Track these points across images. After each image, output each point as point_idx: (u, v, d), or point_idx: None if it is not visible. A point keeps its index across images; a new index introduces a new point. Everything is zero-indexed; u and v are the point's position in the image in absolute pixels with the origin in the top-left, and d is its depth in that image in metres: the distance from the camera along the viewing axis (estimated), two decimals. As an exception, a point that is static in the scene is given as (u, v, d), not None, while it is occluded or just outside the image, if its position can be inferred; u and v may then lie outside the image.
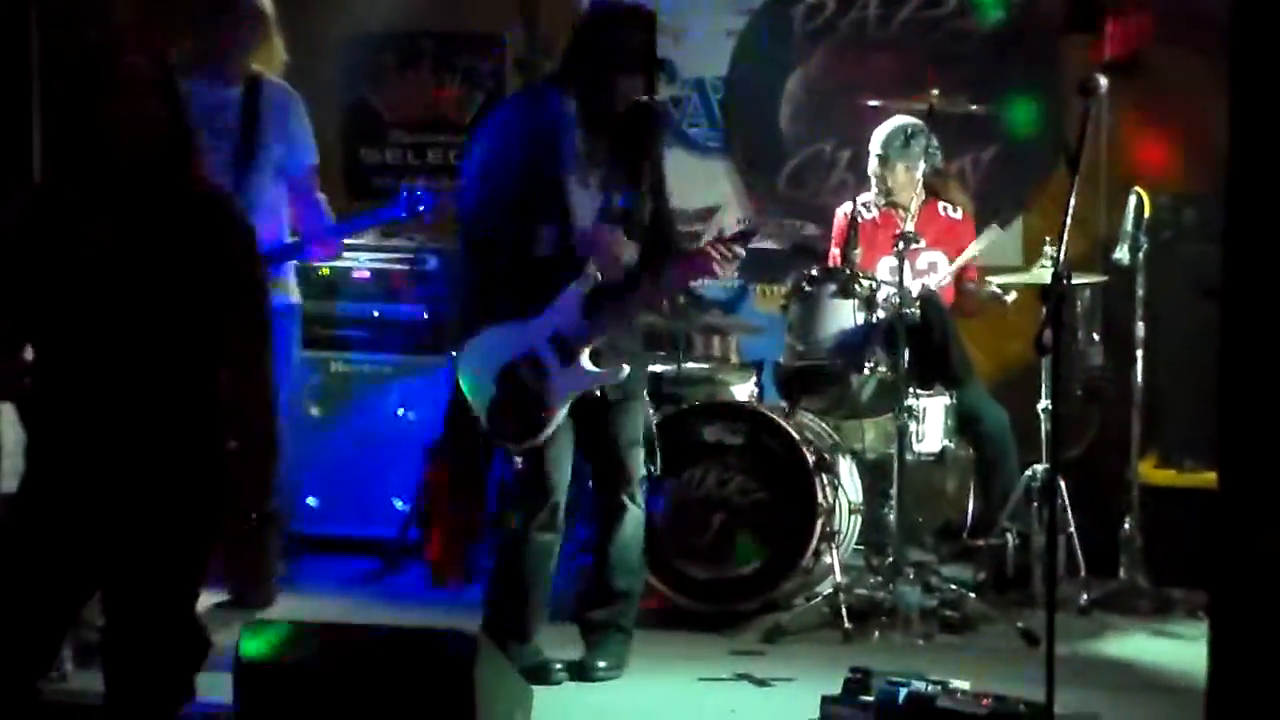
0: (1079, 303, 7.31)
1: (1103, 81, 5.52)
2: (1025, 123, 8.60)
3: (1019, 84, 8.60)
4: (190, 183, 4.28)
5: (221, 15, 6.71)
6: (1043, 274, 6.74)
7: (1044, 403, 6.97)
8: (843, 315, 6.95)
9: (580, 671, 6.18)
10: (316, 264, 7.57)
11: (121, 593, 4.24)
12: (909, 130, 7.47)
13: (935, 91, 7.22)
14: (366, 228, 7.64)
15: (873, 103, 7.61)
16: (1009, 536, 7.19)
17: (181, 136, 4.29)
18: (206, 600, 5.83)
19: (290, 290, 6.92)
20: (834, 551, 6.84)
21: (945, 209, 7.67)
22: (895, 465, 6.90)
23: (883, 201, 7.61)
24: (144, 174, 4.20)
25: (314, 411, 7.80)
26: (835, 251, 7.57)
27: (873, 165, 7.63)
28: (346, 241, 7.40)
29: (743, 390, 7.62)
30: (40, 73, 7.19)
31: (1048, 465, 6.90)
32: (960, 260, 7.41)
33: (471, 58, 9.33)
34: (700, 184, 9.10)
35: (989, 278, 7.54)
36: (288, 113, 6.82)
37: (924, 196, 7.34)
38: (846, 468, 7.19)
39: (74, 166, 4.26)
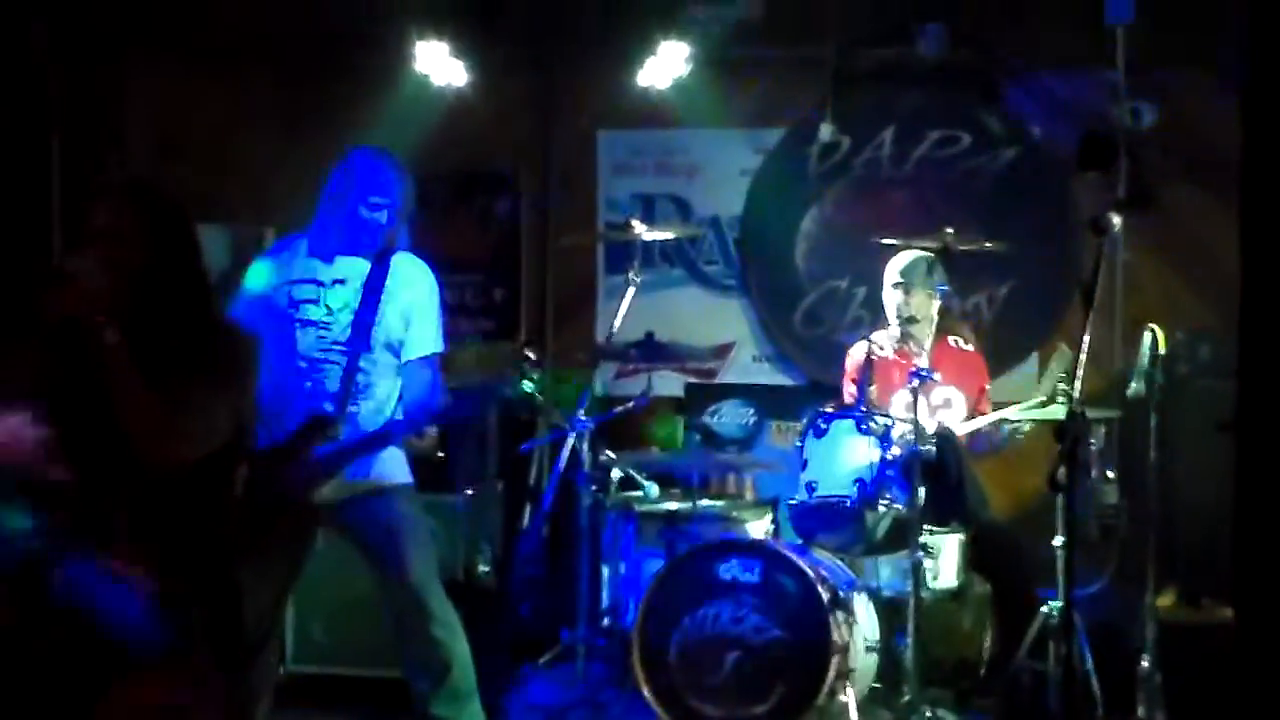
0: (1093, 439, 7.28)
1: (1115, 220, 5.55)
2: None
3: (1033, 221, 8.65)
4: (204, 318, 4.35)
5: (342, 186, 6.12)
6: (1058, 410, 6.74)
7: (1059, 539, 6.94)
8: (858, 452, 6.94)
9: None
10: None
11: None
12: (929, 260, 7.49)
13: (950, 229, 7.25)
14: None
15: (888, 240, 7.64)
16: (1025, 674, 7.13)
17: (194, 277, 4.37)
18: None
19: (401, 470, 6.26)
20: (850, 690, 6.79)
21: (956, 342, 7.69)
22: (911, 602, 6.86)
23: (897, 335, 7.63)
24: (147, 311, 4.25)
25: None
26: (850, 388, 7.58)
27: (895, 297, 7.60)
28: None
29: (758, 527, 7.60)
30: (61, 205, 7.26)
31: (1063, 602, 6.86)
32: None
33: (486, 197, 9.41)
34: (716, 321, 9.14)
35: (1004, 412, 7.53)
36: (411, 293, 6.12)
37: (936, 334, 7.34)
38: (863, 605, 7.14)
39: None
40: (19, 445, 4.20)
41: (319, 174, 6.14)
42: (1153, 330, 7.21)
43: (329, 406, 5.92)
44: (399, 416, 6.09)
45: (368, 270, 6.06)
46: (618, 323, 7.83)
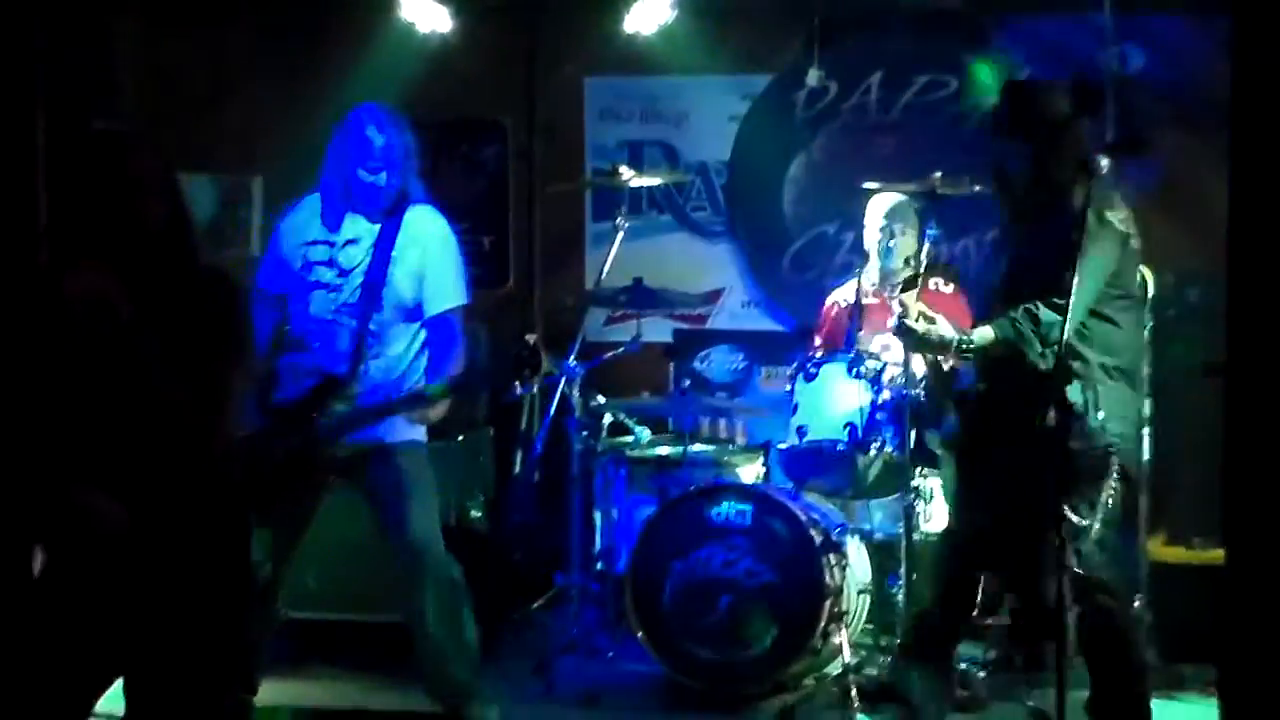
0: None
1: (1104, 163, 5.55)
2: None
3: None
4: (190, 267, 4.36)
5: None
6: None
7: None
8: (848, 396, 6.96)
9: None
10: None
11: (143, 679, 4.22)
12: (916, 205, 7.48)
13: (937, 174, 7.24)
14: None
15: (874, 185, 7.63)
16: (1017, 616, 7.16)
17: (179, 225, 4.36)
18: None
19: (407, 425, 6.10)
20: (843, 632, 6.83)
21: (936, 285, 7.66)
22: (903, 545, 6.89)
23: (877, 279, 7.62)
24: (143, 264, 4.26)
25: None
26: (819, 338, 7.62)
27: (880, 239, 7.61)
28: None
29: (749, 472, 7.62)
30: (46, 158, 7.23)
31: (1055, 543, 6.88)
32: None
33: (472, 144, 9.39)
34: (705, 266, 9.15)
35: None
36: (422, 249, 6.08)
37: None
38: (855, 548, 7.17)
39: (76, 255, 4.30)
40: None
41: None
42: (1141, 273, 7.23)
43: (340, 367, 5.93)
44: (417, 375, 6.10)
45: (379, 230, 6.06)
46: (606, 269, 7.84)
